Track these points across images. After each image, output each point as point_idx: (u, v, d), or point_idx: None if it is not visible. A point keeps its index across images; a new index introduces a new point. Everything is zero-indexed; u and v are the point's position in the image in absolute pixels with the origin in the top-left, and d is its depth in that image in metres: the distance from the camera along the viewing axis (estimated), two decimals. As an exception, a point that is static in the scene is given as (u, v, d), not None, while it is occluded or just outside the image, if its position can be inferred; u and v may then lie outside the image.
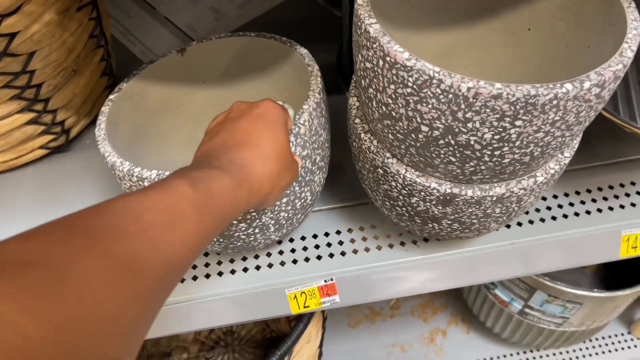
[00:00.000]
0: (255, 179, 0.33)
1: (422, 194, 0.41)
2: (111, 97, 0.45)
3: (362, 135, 0.42)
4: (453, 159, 0.36)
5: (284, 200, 0.42)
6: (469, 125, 0.33)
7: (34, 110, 0.52)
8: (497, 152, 0.35)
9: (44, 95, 0.52)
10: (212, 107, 0.52)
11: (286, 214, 0.44)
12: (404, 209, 0.44)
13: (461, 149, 0.35)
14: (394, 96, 0.35)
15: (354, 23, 0.37)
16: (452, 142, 0.35)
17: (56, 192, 0.56)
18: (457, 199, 0.40)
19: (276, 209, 0.43)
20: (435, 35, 0.49)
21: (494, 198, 0.40)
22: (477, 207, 0.40)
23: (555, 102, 0.31)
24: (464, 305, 0.99)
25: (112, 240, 0.23)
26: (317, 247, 0.52)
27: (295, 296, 0.51)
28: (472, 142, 0.34)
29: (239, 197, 0.31)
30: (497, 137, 0.33)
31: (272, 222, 0.44)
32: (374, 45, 0.34)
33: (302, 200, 0.45)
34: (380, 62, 0.34)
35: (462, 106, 0.32)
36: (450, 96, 0.32)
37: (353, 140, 0.45)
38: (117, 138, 0.44)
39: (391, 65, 0.33)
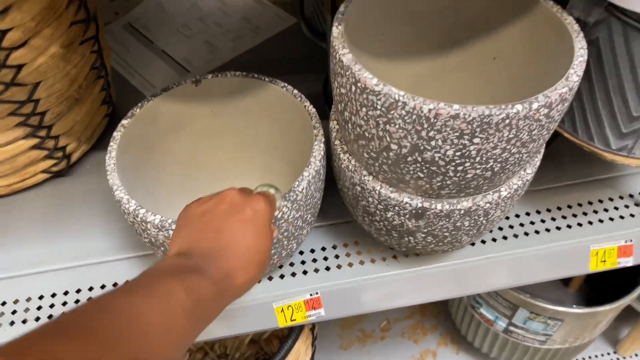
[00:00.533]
0: (238, 286, 0.34)
1: (397, 208, 0.44)
2: (123, 122, 0.48)
3: (342, 155, 0.46)
4: (421, 175, 0.40)
5: (272, 251, 0.45)
6: (433, 143, 0.37)
7: (38, 136, 0.56)
8: (460, 168, 0.38)
9: (48, 122, 0.55)
10: (218, 133, 0.56)
11: (272, 261, 0.47)
12: (382, 223, 0.47)
13: (427, 165, 0.39)
14: (365, 118, 0.38)
15: (330, 53, 0.41)
16: (419, 159, 0.38)
17: (58, 214, 0.59)
18: (428, 213, 0.43)
19: None
20: (411, 64, 0.53)
21: (462, 211, 0.43)
22: (447, 219, 0.44)
23: (507, 121, 0.35)
24: (453, 326, 1.01)
25: (115, 344, 0.25)
26: (303, 262, 0.55)
27: (282, 309, 0.53)
28: (436, 159, 0.38)
29: (222, 304, 0.34)
30: (458, 153, 0.37)
31: None
32: (347, 73, 0.38)
33: (288, 250, 0.48)
34: (353, 88, 0.38)
35: (425, 126, 0.36)
36: (414, 117, 0.35)
37: (334, 160, 0.48)
38: (125, 161, 0.47)
39: (362, 90, 0.37)
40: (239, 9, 0.84)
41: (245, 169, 0.58)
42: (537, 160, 0.45)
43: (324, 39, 0.74)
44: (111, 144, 0.47)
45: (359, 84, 0.37)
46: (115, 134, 0.48)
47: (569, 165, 0.61)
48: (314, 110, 0.49)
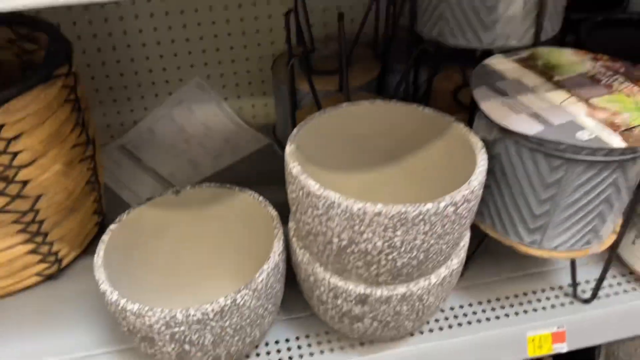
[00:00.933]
0: None
1: (344, 294, 0.51)
2: (111, 227, 0.56)
3: (297, 250, 0.54)
4: (360, 264, 0.48)
5: (236, 338, 0.51)
6: (364, 235, 0.45)
7: (35, 242, 0.63)
8: (389, 257, 0.46)
9: (45, 229, 0.63)
10: (196, 236, 0.64)
11: (236, 348, 0.53)
12: (334, 310, 0.54)
13: (363, 255, 0.47)
14: (312, 217, 0.47)
15: (285, 166, 0.51)
16: (355, 250, 0.46)
17: (49, 316, 0.65)
18: (370, 298, 0.50)
19: (227, 341, 0.51)
20: (356, 174, 0.63)
21: (399, 296, 0.50)
22: (387, 304, 0.51)
23: (421, 216, 0.44)
24: None
25: None
26: (268, 353, 0.60)
27: (248, 398, 0.58)
28: (369, 249, 0.46)
29: None
30: (386, 244, 0.45)
31: (224, 352, 0.52)
32: (295, 181, 0.47)
33: (252, 338, 0.54)
34: (301, 193, 0.47)
35: (357, 221, 0.44)
36: (347, 214, 0.44)
37: (292, 255, 0.56)
38: (111, 261, 0.54)
39: (307, 195, 0.46)
40: (220, 131, 0.96)
41: (218, 267, 0.66)
42: (462, 252, 0.54)
43: (292, 156, 0.85)
44: (99, 244, 0.55)
45: (304, 189, 0.46)
46: (104, 237, 0.56)
47: (504, 260, 0.69)
48: (275, 213, 0.58)
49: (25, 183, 0.58)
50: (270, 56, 0.94)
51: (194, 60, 0.92)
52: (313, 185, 0.46)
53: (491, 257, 0.70)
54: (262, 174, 0.87)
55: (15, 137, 0.55)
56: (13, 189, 0.58)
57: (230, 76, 0.96)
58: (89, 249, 0.72)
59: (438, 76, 0.79)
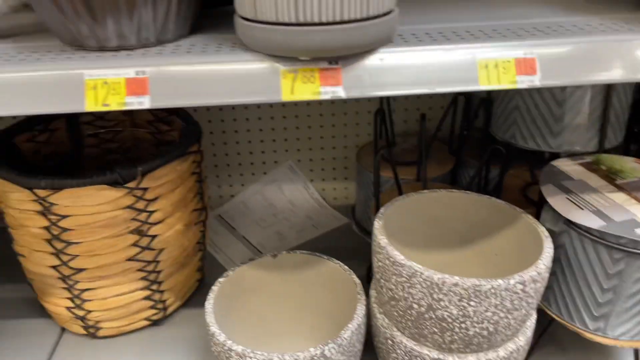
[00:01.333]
0: None
1: (419, 359, 0.57)
2: (220, 280, 0.66)
3: (378, 314, 0.61)
4: (436, 330, 0.55)
5: None
6: (442, 303, 0.52)
7: (151, 290, 0.74)
8: (463, 325, 0.53)
9: (160, 279, 0.74)
10: (286, 295, 0.73)
11: None
12: (407, 374, 0.60)
13: (439, 321, 0.54)
14: (395, 283, 0.55)
15: (372, 239, 0.60)
16: (433, 315, 0.54)
17: (153, 356, 0.74)
18: (442, 363, 0.56)
19: None
20: (432, 253, 0.71)
21: (468, 364, 0.56)
22: (458, 371, 0.56)
23: (492, 290, 0.51)
24: None
25: None
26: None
27: None
28: (445, 316, 0.53)
29: None
30: (460, 313, 0.52)
31: None
32: (383, 251, 0.56)
33: None
34: (387, 262, 0.55)
35: (436, 290, 0.52)
36: (428, 283, 0.52)
37: (371, 319, 0.64)
38: (216, 308, 0.64)
39: (392, 263, 0.55)
40: (304, 209, 1.08)
41: (300, 324, 0.73)
42: (529, 332, 0.59)
43: (369, 235, 0.94)
44: (210, 293, 0.65)
45: (391, 259, 0.55)
46: (213, 287, 0.66)
47: (569, 345, 0.73)
48: (358, 281, 0.66)
49: (153, 237, 0.70)
50: (353, 146, 1.06)
51: (288, 146, 1.06)
52: (398, 256, 0.54)
53: (557, 343, 0.73)
54: (341, 249, 0.96)
55: (154, 199, 0.68)
56: (144, 241, 0.70)
57: (318, 161, 1.08)
58: (189, 301, 0.83)
59: (508, 173, 0.88)
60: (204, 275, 0.86)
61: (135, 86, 0.40)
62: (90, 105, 0.40)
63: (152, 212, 0.69)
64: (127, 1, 0.41)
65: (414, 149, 0.96)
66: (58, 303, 0.73)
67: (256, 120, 1.03)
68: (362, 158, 0.95)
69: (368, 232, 0.97)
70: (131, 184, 0.65)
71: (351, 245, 0.97)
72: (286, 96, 0.41)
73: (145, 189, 0.67)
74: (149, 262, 0.72)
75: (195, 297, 0.83)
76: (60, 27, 0.44)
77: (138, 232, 0.69)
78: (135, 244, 0.69)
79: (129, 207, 0.66)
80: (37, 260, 0.69)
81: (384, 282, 0.57)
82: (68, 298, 0.72)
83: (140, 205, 0.67)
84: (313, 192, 1.10)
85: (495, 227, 0.66)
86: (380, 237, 0.57)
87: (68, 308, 0.73)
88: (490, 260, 0.68)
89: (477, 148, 0.92)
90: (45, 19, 0.45)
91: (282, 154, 1.07)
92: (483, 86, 0.41)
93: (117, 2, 0.41)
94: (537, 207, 0.71)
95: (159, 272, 0.74)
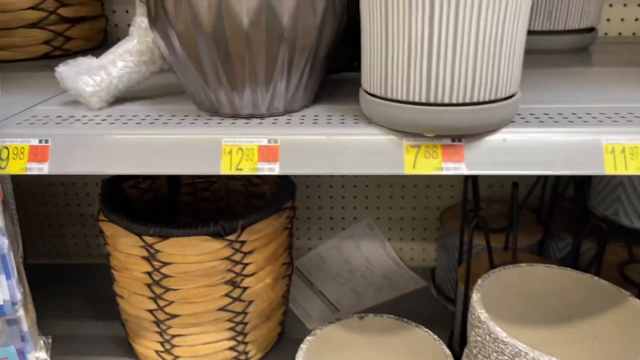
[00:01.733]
0: None
1: None
2: (308, 338, 0.67)
3: (471, 390, 0.60)
4: (537, 414, 0.52)
5: None
6: (547, 387, 0.50)
7: (236, 340, 0.76)
8: (568, 412, 0.51)
9: (246, 330, 0.76)
10: (375, 358, 0.72)
11: None
12: None
13: (542, 405, 0.51)
14: (495, 361, 0.54)
15: (470, 311, 0.59)
16: (536, 398, 0.51)
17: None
18: None
19: None
20: (526, 330, 0.68)
21: None
22: None
23: (604, 379, 0.48)
24: None
25: None
26: None
27: None
28: (549, 401, 0.51)
29: None
30: (567, 399, 0.50)
31: None
32: (483, 326, 0.55)
33: None
34: (487, 337, 0.54)
35: (541, 372, 0.50)
36: (533, 364, 0.50)
37: (463, 395, 0.62)
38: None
39: (494, 339, 0.53)
40: (380, 267, 1.07)
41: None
42: None
43: (452, 302, 0.92)
44: (299, 351, 0.65)
45: (492, 335, 0.54)
46: (302, 345, 0.66)
47: None
48: (449, 352, 0.65)
49: (245, 289, 0.72)
50: (434, 207, 1.06)
51: (369, 204, 1.07)
52: (501, 333, 0.53)
53: None
54: (420, 313, 0.95)
55: (250, 252, 0.71)
56: (236, 292, 0.72)
57: (397, 220, 1.08)
58: (269, 354, 0.83)
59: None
60: (284, 329, 0.87)
61: (267, 153, 0.43)
62: (226, 168, 0.43)
63: (247, 264, 0.71)
64: (266, 74, 0.44)
65: (499, 215, 0.95)
66: (149, 346, 0.76)
67: (339, 176, 1.05)
68: (447, 221, 0.95)
69: (448, 298, 0.95)
70: (231, 237, 0.68)
71: (431, 311, 0.95)
72: (408, 170, 0.43)
73: (243, 242, 0.69)
74: (238, 313, 0.73)
75: (275, 351, 0.84)
76: (200, 93, 0.48)
77: (232, 283, 0.71)
78: (227, 294, 0.71)
79: (226, 258, 0.69)
80: (136, 302, 0.72)
81: (482, 358, 0.56)
82: (159, 342, 0.74)
83: (237, 257, 0.70)
84: (390, 251, 1.10)
85: (596, 308, 0.64)
86: (480, 310, 0.56)
87: (157, 352, 0.75)
88: (589, 341, 0.65)
89: (567, 218, 0.90)
90: (187, 85, 0.50)
91: (361, 211, 1.08)
92: (609, 172, 0.41)
93: (257, 74, 0.44)
94: (639, 288, 0.68)
95: (246, 323, 0.75)
